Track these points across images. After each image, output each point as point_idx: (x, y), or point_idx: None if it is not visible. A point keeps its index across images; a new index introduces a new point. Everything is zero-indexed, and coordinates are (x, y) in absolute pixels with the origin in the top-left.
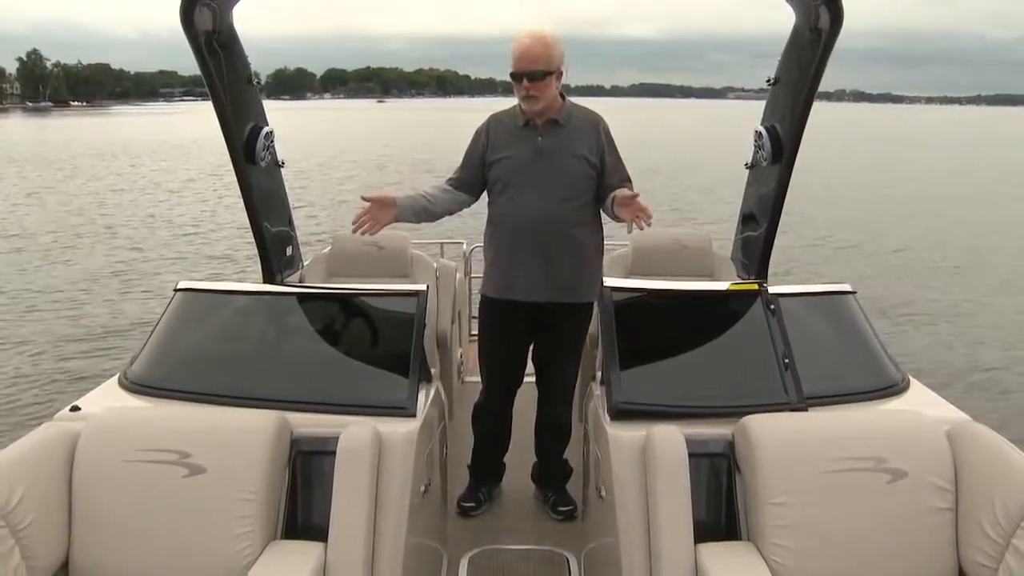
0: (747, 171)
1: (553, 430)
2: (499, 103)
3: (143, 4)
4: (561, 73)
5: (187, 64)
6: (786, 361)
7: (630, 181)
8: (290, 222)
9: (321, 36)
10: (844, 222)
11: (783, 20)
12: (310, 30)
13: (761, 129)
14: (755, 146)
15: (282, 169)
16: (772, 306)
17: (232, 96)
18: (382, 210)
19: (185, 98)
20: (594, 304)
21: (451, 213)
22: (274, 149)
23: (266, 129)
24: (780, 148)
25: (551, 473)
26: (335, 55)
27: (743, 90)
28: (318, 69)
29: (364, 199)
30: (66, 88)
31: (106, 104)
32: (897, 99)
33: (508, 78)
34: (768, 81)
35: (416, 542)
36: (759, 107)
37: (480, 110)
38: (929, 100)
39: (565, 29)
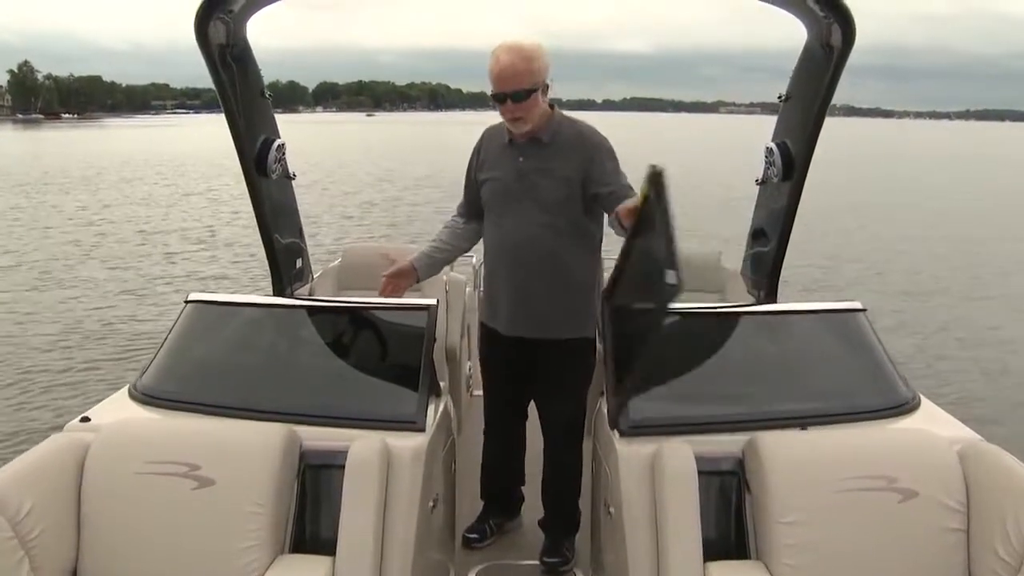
0: (757, 187)
1: (558, 474)
2: (491, 117)
3: (136, 16)
4: (547, 86)
5: (179, 77)
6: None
7: (631, 188)
8: (301, 234)
9: (313, 49)
10: (856, 239)
11: (774, 36)
12: (302, 44)
13: (772, 145)
14: (766, 162)
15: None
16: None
17: (245, 109)
18: (402, 279)
19: (177, 111)
20: (594, 340)
21: (466, 251)
22: (285, 162)
23: (278, 142)
24: (791, 164)
25: (555, 522)
26: (327, 69)
27: (735, 104)
28: (310, 82)
29: (384, 275)
30: (57, 100)
31: (97, 116)
32: (887, 114)
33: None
34: (779, 97)
35: (424, 557)
36: (751, 121)
37: (471, 123)
38: (918, 115)
39: (556, 44)
